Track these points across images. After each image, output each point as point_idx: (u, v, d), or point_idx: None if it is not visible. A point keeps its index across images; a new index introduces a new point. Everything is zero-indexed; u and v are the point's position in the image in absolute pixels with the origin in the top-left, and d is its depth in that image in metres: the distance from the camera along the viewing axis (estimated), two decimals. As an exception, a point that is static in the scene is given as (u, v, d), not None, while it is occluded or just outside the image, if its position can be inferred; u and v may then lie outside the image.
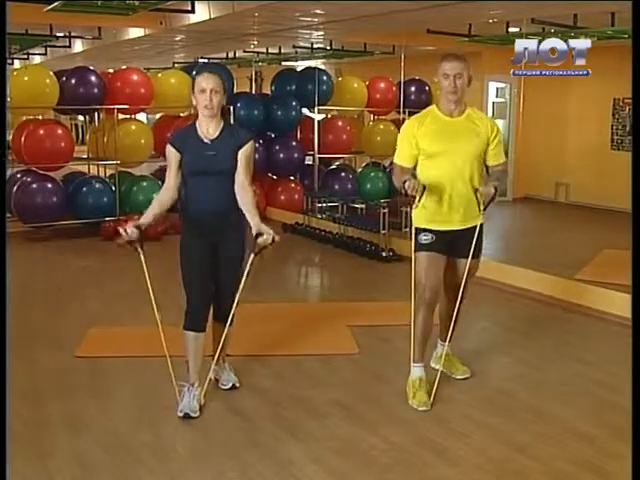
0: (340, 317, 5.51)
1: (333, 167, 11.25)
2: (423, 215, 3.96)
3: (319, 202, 9.80)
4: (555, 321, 5.63)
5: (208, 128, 3.80)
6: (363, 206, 9.11)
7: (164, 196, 3.86)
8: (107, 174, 9.70)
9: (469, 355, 4.71)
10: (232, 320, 3.98)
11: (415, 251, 3.97)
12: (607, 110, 11.48)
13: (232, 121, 9.36)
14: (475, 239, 3.94)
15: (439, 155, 3.87)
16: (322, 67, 11.76)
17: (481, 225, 4.00)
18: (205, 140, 3.79)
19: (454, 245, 3.97)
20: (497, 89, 12.55)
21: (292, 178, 10.67)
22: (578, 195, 11.92)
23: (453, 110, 3.90)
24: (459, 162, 3.85)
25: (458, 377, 4.30)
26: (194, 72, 9.77)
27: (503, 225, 10.48)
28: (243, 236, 3.99)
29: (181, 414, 3.72)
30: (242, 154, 3.79)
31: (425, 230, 3.94)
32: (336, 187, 10.56)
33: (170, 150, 3.82)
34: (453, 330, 4.20)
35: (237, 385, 4.15)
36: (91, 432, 3.62)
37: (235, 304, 3.94)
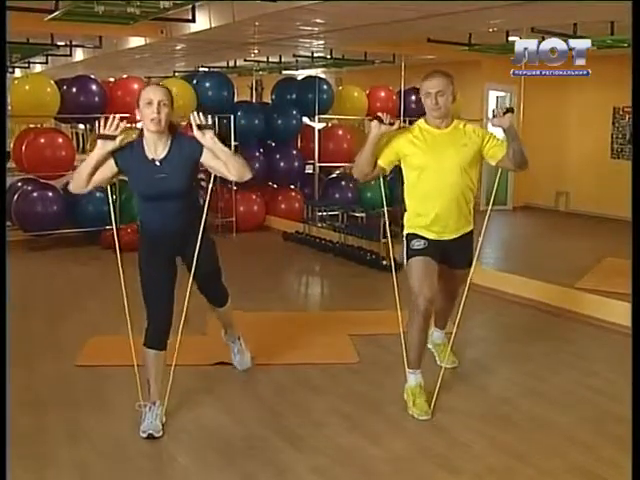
0: (340, 326, 5.50)
1: (333, 176, 11.25)
2: (414, 224, 3.99)
3: (319, 211, 9.82)
4: (555, 330, 5.62)
5: (156, 147, 3.61)
6: (363, 215, 9.12)
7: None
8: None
9: (468, 364, 4.72)
10: (227, 301, 4.19)
11: (407, 258, 3.97)
12: (607, 119, 11.51)
13: (233, 130, 9.41)
14: (468, 246, 4.05)
15: (427, 168, 3.88)
16: (322, 76, 11.79)
17: (471, 231, 4.06)
18: (154, 161, 3.60)
19: (447, 255, 3.99)
20: (497, 98, 12.57)
21: (292, 187, 10.67)
22: (578, 204, 11.94)
23: (440, 123, 3.91)
24: (447, 174, 3.86)
25: (447, 366, 4.33)
26: (194, 81, 9.83)
27: (503, 234, 10.49)
28: (210, 242, 3.95)
29: (144, 435, 3.59)
30: (206, 159, 3.61)
31: (417, 236, 3.96)
32: (336, 196, 10.57)
33: (110, 161, 3.60)
34: (447, 320, 4.38)
35: (250, 366, 4.42)
36: (91, 441, 3.62)
37: (224, 287, 4.14)
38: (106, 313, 5.94)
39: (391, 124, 3.82)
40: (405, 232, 4.05)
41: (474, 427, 3.80)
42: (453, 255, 4.02)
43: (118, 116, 3.59)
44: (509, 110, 3.76)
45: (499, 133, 3.96)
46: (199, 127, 3.52)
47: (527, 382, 4.49)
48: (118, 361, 4.64)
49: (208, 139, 3.53)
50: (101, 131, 3.56)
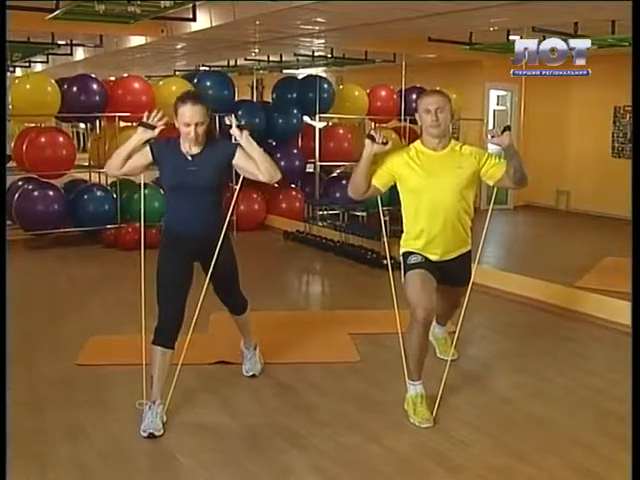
0: (341, 325, 5.51)
1: (334, 175, 11.26)
2: (410, 245, 4.00)
3: (320, 210, 9.82)
4: (556, 329, 5.62)
5: (191, 146, 3.76)
6: (364, 214, 9.12)
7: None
8: (108, 182, 9.72)
9: (469, 363, 4.72)
10: (246, 308, 4.25)
11: (405, 273, 3.97)
12: (608, 118, 11.50)
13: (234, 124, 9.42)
14: (466, 266, 4.06)
15: (422, 191, 3.87)
16: (323, 75, 11.79)
17: (469, 251, 4.08)
18: (187, 155, 3.75)
19: (445, 274, 3.99)
20: (498, 97, 12.58)
21: (293, 186, 10.67)
22: (579, 203, 11.94)
23: (437, 145, 3.89)
24: (443, 197, 3.85)
25: (446, 358, 4.29)
26: (195, 80, 9.82)
27: (504, 233, 10.49)
28: (229, 245, 3.99)
29: (145, 434, 3.60)
30: (239, 160, 3.78)
31: (413, 253, 3.97)
32: (337, 195, 10.55)
33: (146, 149, 3.75)
34: (448, 319, 4.49)
35: (257, 374, 4.38)
36: (91, 441, 3.62)
37: (242, 294, 4.20)
38: (107, 312, 5.95)
39: (384, 143, 3.81)
40: (401, 251, 4.06)
41: (475, 426, 3.80)
42: (452, 274, 4.03)
43: (162, 111, 3.76)
44: (507, 128, 3.75)
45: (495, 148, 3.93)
46: (238, 126, 3.73)
47: (528, 381, 4.49)
48: (118, 360, 4.66)
49: (245, 137, 3.72)
50: (144, 120, 3.73)
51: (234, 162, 3.80)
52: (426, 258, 3.95)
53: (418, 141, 3.98)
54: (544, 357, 4.94)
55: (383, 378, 4.45)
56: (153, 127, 3.71)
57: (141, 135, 3.72)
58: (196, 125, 3.66)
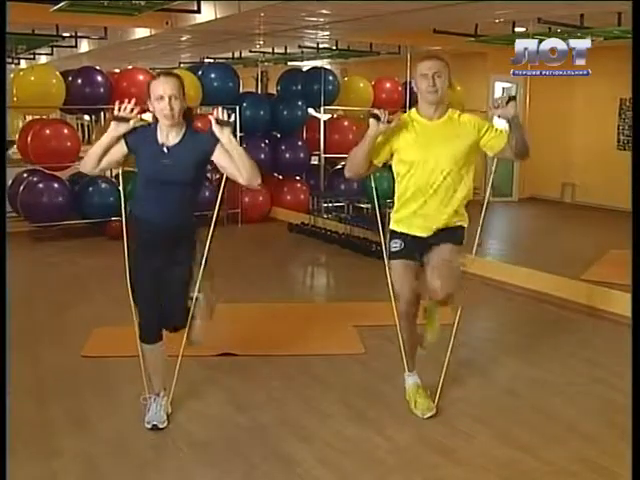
0: (346, 317, 5.51)
1: (339, 167, 11.24)
2: (401, 219, 3.81)
3: (325, 202, 9.81)
4: (560, 321, 5.62)
5: (169, 134, 3.50)
6: (369, 206, 9.11)
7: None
8: (113, 174, 9.72)
9: (474, 355, 4.72)
10: (184, 322, 3.75)
11: (388, 258, 3.84)
12: (613, 110, 11.47)
13: (238, 121, 9.42)
14: (456, 234, 3.78)
15: (416, 162, 3.70)
16: (328, 67, 11.77)
17: (463, 227, 3.82)
18: (163, 147, 3.49)
19: (432, 243, 3.76)
20: (503, 89, 12.53)
21: (298, 178, 10.67)
22: (584, 195, 11.91)
23: (433, 114, 3.72)
24: (439, 168, 3.66)
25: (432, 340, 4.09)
26: (199, 72, 9.81)
27: (509, 225, 10.48)
28: (193, 252, 3.71)
29: (149, 426, 3.61)
30: (218, 157, 3.52)
31: (396, 236, 3.80)
32: (342, 187, 10.55)
33: (121, 142, 3.51)
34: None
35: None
36: (96, 432, 3.64)
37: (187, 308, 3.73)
38: (111, 304, 5.94)
39: (389, 122, 3.65)
40: (390, 227, 3.87)
41: (478, 418, 3.81)
42: (440, 239, 3.74)
43: (134, 100, 3.49)
44: (512, 98, 3.60)
45: (500, 122, 3.81)
46: (217, 121, 3.44)
47: (532, 373, 4.50)
48: (123, 352, 4.65)
49: (226, 135, 3.44)
50: (116, 113, 3.48)
51: (213, 159, 3.53)
52: (411, 240, 3.75)
53: (414, 109, 3.79)
54: (548, 349, 4.94)
55: (387, 370, 4.45)
56: (127, 119, 3.46)
57: (115, 130, 3.48)
58: (170, 99, 3.38)
